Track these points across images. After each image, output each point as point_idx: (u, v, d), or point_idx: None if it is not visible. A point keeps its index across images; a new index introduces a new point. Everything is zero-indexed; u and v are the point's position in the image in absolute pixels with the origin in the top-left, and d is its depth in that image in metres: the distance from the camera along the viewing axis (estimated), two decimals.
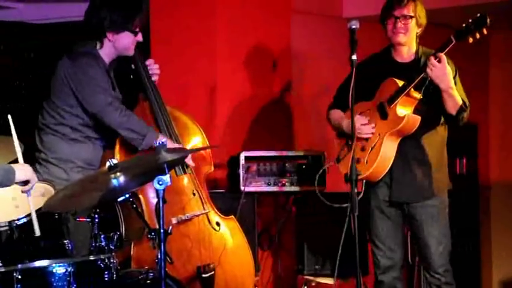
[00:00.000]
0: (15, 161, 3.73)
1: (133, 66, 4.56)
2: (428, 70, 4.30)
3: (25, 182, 3.55)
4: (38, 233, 3.57)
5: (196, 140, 4.61)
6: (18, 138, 3.70)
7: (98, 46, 4.34)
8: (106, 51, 4.36)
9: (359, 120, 4.52)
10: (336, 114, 4.72)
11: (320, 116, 6.03)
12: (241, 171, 5.17)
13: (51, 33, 6.33)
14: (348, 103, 4.54)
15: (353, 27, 4.20)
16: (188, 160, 4.42)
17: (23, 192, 3.57)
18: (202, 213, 4.46)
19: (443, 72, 4.29)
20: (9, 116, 3.69)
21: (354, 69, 4.13)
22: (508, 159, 7.03)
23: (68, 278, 3.46)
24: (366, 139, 4.53)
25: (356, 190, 4.13)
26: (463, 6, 5.95)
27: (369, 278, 5.24)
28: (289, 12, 5.96)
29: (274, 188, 5.25)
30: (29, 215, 3.66)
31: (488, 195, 7.09)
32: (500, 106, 6.99)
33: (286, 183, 5.24)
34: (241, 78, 5.70)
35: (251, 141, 5.68)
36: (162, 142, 3.56)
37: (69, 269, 3.47)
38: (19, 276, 3.39)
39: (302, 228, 5.29)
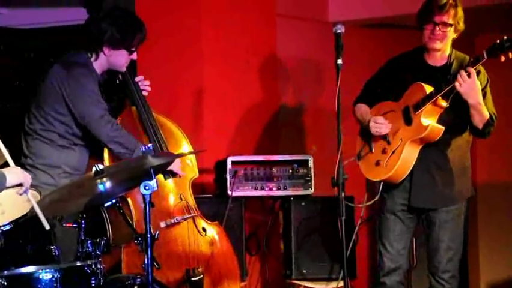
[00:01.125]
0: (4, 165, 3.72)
1: (120, 76, 4.56)
2: (456, 84, 4.22)
3: (18, 185, 3.52)
4: (47, 226, 3.52)
5: (181, 146, 4.61)
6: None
7: (93, 57, 4.33)
8: (99, 64, 4.35)
9: (376, 119, 4.48)
10: (362, 109, 4.64)
11: (307, 120, 6.06)
12: (228, 176, 5.16)
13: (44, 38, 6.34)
14: (376, 98, 4.53)
15: (338, 31, 4.19)
16: (178, 170, 4.43)
17: (20, 194, 3.54)
18: (190, 217, 4.47)
19: (472, 87, 4.22)
20: None
21: (340, 72, 4.12)
22: (495, 162, 7.04)
23: (54, 284, 3.45)
24: (388, 142, 4.48)
25: (343, 194, 4.12)
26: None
27: (357, 281, 5.25)
28: (275, 17, 5.97)
29: (262, 193, 5.24)
30: (15, 221, 3.64)
31: (475, 198, 7.11)
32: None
33: (274, 188, 5.24)
34: (228, 83, 5.70)
35: (238, 146, 5.68)
36: (148, 147, 3.55)
37: (56, 275, 3.46)
38: (5, 283, 3.38)
39: (289, 232, 5.28)
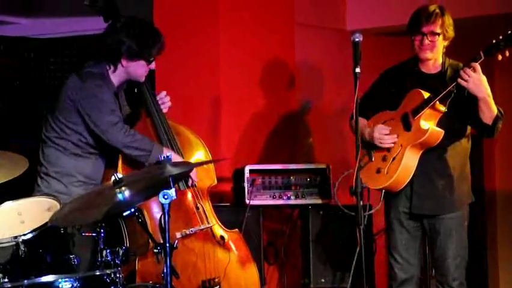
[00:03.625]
0: (21, 176, 3.75)
1: (136, 89, 4.57)
2: (462, 82, 4.25)
3: None
4: None
5: (199, 154, 4.60)
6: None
7: (111, 69, 4.33)
8: (117, 75, 4.35)
9: (381, 129, 4.49)
10: (360, 122, 4.68)
11: (326, 129, 6.05)
12: (246, 185, 5.16)
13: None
14: (372, 111, 4.53)
15: (356, 39, 4.19)
16: (193, 175, 4.42)
17: None
18: (206, 227, 4.45)
19: (479, 81, 4.25)
20: None
21: (358, 81, 4.12)
22: None
23: None
24: (388, 149, 4.49)
25: (361, 203, 4.11)
26: (468, 18, 5.95)
27: None
28: (293, 25, 5.97)
29: (280, 201, 5.24)
30: (35, 230, 3.66)
31: (494, 205, 7.07)
32: (505, 116, 6.97)
33: (292, 196, 5.24)
34: (246, 90, 5.70)
35: (256, 155, 5.68)
36: (167, 156, 3.56)
37: (75, 284, 3.47)
38: None
39: (308, 241, 5.28)
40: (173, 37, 5.61)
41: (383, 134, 4.49)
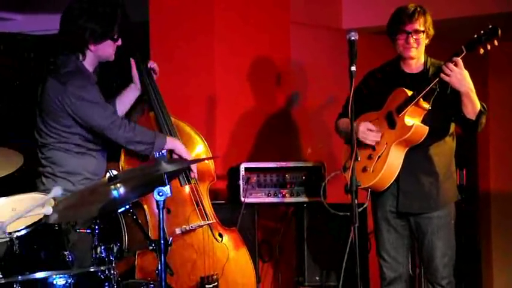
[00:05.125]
0: (16, 171, 3.74)
1: (131, 60, 4.53)
2: (444, 76, 4.28)
3: None
4: None
5: (199, 150, 4.61)
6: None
7: (80, 58, 4.28)
8: (89, 61, 4.30)
9: (367, 125, 4.51)
10: (345, 122, 4.67)
11: (321, 127, 6.06)
12: (241, 182, 5.16)
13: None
14: (357, 112, 4.55)
15: (352, 38, 4.19)
16: (193, 167, 4.43)
17: None
18: (206, 224, 4.46)
19: (462, 75, 4.29)
20: None
21: (353, 79, 4.13)
22: (508, 170, 7.03)
23: None
24: (373, 148, 4.51)
25: (356, 201, 4.11)
26: (459, 18, 5.97)
27: None
28: (289, 24, 5.97)
29: (275, 199, 5.24)
30: (29, 226, 3.66)
31: (488, 205, 7.10)
32: (499, 117, 7.00)
33: (287, 194, 5.24)
34: (241, 89, 5.70)
35: (251, 153, 5.68)
36: (162, 153, 3.56)
37: (69, 281, 3.47)
38: None
39: (302, 239, 5.28)
40: (169, 37, 5.64)
41: (368, 129, 4.50)
